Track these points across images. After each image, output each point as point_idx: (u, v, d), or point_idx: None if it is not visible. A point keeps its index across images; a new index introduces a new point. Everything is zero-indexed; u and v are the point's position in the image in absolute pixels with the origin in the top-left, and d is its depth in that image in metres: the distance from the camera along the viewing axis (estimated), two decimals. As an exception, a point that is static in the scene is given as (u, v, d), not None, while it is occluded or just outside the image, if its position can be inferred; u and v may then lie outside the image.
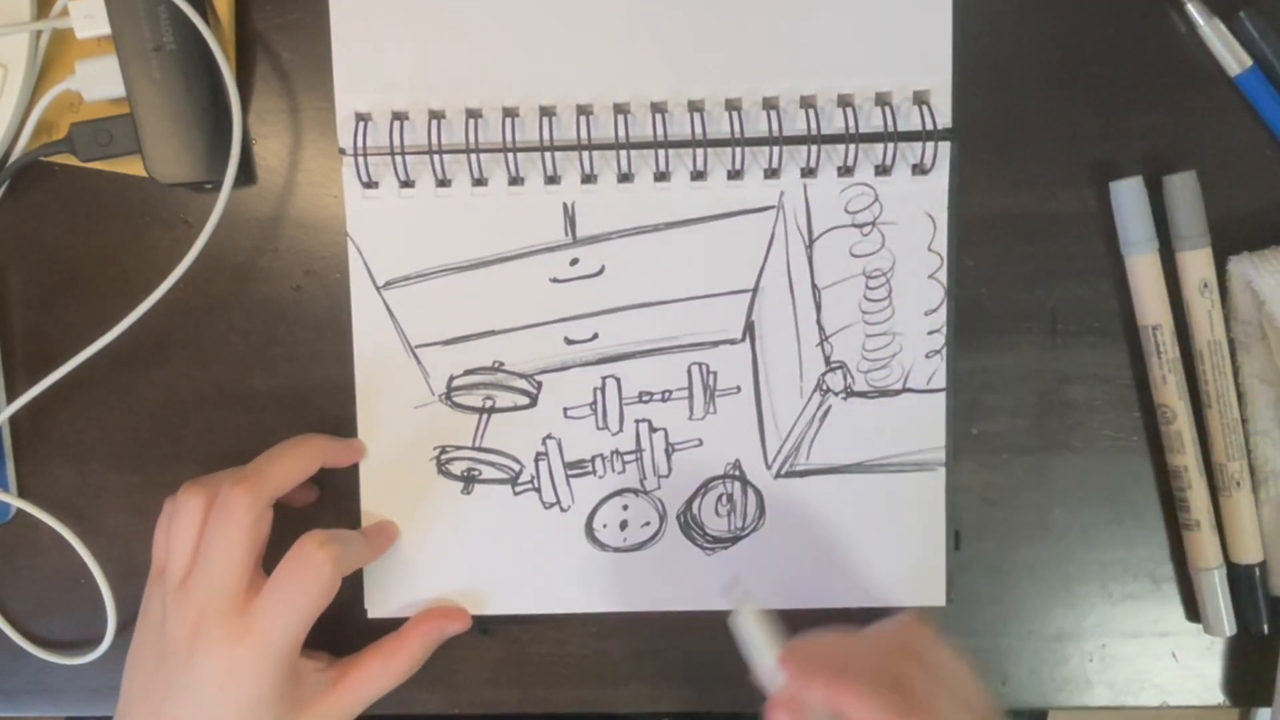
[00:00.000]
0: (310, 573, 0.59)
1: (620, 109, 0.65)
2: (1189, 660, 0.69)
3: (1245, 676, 0.69)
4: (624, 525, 0.68)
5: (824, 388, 0.67)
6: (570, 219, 0.65)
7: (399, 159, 0.64)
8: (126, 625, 0.68)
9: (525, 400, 0.67)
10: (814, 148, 0.64)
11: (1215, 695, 0.69)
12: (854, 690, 0.53)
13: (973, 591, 0.68)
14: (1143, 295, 0.65)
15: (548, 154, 0.64)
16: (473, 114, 0.65)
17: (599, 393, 0.66)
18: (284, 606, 0.59)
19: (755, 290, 0.66)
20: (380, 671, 0.64)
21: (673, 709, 0.69)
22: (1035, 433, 0.68)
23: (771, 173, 0.65)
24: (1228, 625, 0.66)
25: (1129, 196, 0.65)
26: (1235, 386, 0.66)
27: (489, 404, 0.67)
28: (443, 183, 0.65)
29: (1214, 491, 0.66)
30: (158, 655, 0.60)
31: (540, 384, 0.66)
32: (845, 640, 0.59)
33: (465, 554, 0.67)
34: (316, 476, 0.66)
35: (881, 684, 0.54)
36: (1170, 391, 0.65)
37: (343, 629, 0.67)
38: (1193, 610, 0.68)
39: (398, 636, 0.65)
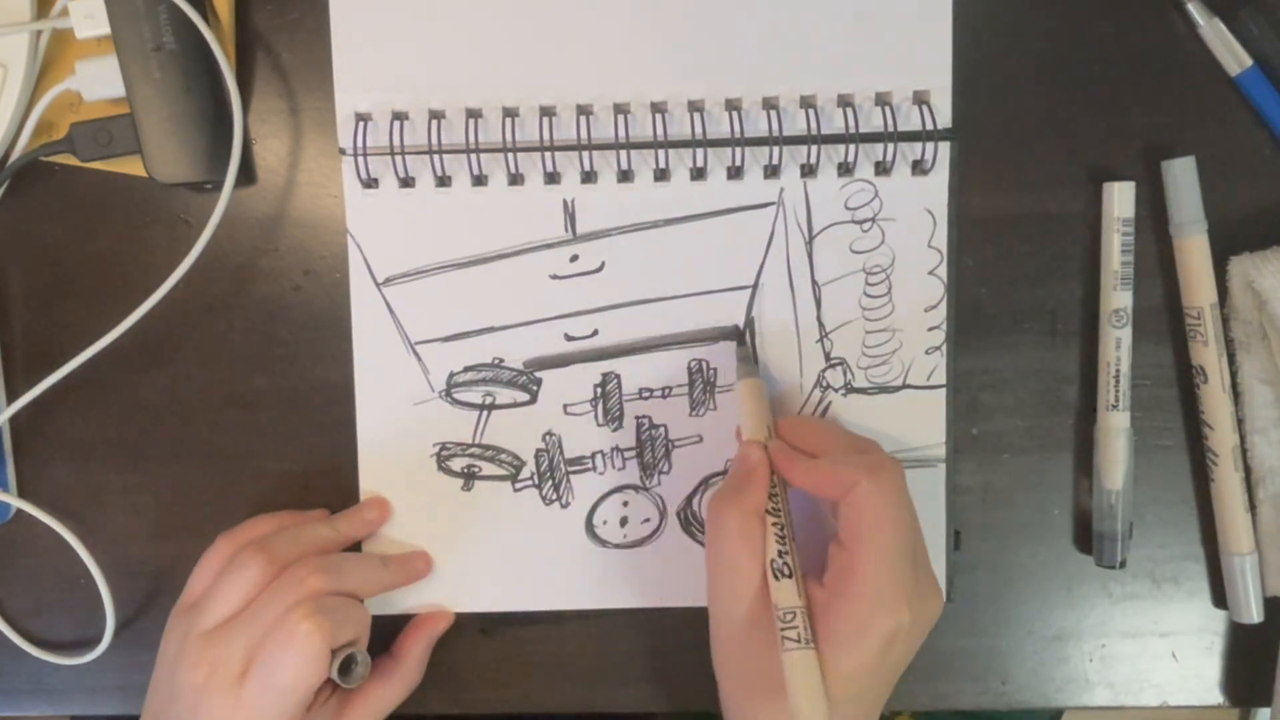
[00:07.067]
0: (295, 650, 0.57)
1: (620, 109, 0.65)
2: (1189, 660, 0.69)
3: (1245, 676, 0.69)
4: (624, 522, 0.68)
5: (824, 384, 0.66)
6: (570, 215, 0.65)
7: (399, 159, 0.64)
8: (125, 626, 0.68)
9: (525, 397, 0.67)
10: (814, 147, 0.64)
11: (1215, 695, 0.69)
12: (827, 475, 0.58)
13: (973, 591, 0.68)
14: (1192, 277, 0.65)
15: (548, 153, 0.64)
16: (473, 114, 0.65)
17: (599, 389, 0.67)
18: (274, 692, 0.58)
19: (755, 286, 0.66)
20: (380, 693, 0.64)
21: (673, 709, 0.69)
22: (1035, 433, 0.68)
23: (771, 172, 0.65)
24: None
25: (1181, 176, 0.65)
26: (1235, 385, 0.66)
27: (489, 400, 0.66)
28: (442, 182, 0.65)
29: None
30: (169, 693, 0.60)
31: (540, 380, 0.66)
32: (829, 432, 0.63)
33: (465, 551, 0.67)
34: (313, 477, 0.66)
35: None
36: (1214, 389, 0.65)
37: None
38: (1193, 610, 0.68)
39: (390, 655, 0.66)
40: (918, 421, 0.67)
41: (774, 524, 0.59)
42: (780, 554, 0.58)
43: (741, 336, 0.66)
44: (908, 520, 0.57)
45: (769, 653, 0.57)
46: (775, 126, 0.64)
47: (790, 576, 0.58)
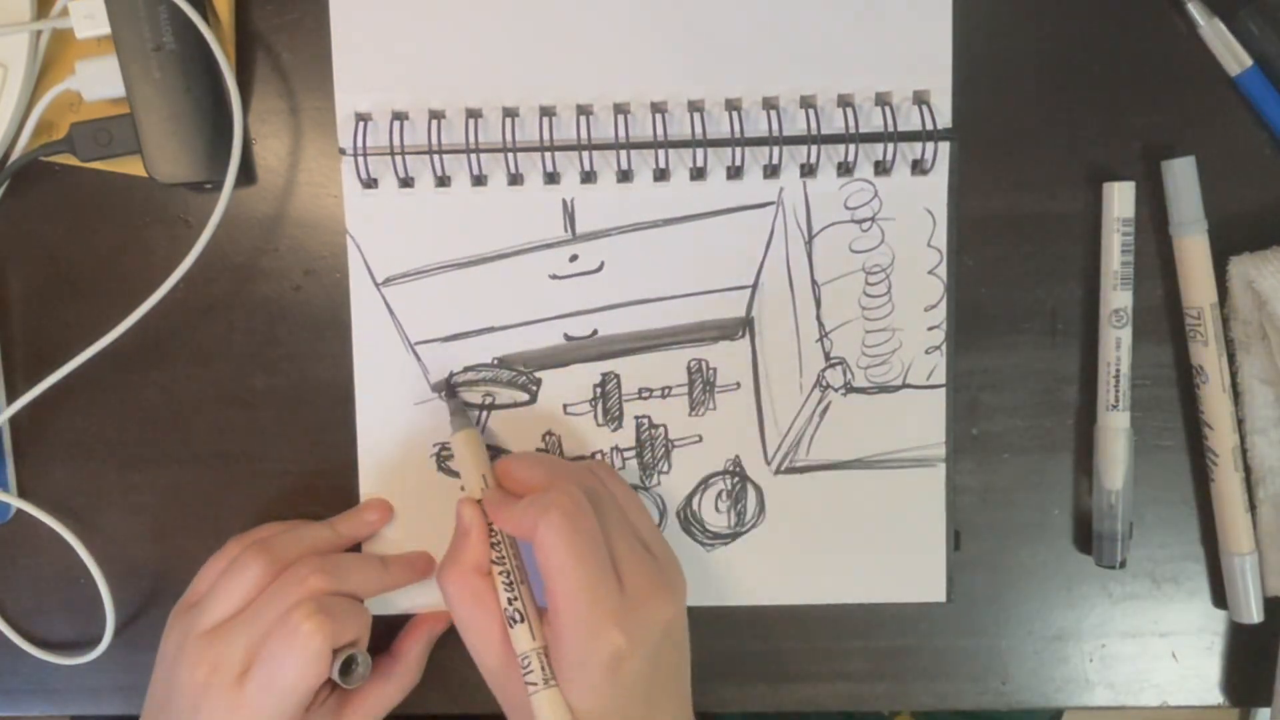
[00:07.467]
0: (296, 650, 0.57)
1: (620, 109, 0.65)
2: (1189, 660, 0.69)
3: (1245, 676, 0.69)
4: (624, 522, 0.67)
5: (824, 384, 0.66)
6: (569, 215, 0.65)
7: (399, 158, 0.64)
8: (126, 625, 0.68)
9: (525, 397, 0.67)
10: (814, 147, 0.64)
11: (1215, 695, 0.69)
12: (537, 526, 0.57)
13: (973, 591, 0.68)
14: (1192, 277, 0.65)
15: (547, 153, 0.64)
16: (473, 114, 0.65)
17: (599, 389, 0.67)
18: (275, 692, 0.58)
19: (755, 286, 0.66)
20: (380, 693, 0.64)
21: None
22: (1035, 433, 0.68)
23: (771, 171, 0.65)
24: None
25: (1181, 176, 0.64)
26: (1235, 385, 0.66)
27: (489, 401, 0.66)
28: (442, 182, 0.65)
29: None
30: (169, 692, 0.60)
31: (540, 380, 0.66)
32: (532, 470, 0.62)
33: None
34: (313, 477, 0.66)
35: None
36: (1214, 389, 0.65)
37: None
38: (1193, 610, 0.68)
39: (390, 655, 0.66)
40: (917, 421, 0.67)
41: (500, 573, 0.60)
42: (510, 601, 0.59)
43: (452, 389, 0.66)
44: (588, 549, 0.57)
45: (526, 693, 0.58)
46: (775, 126, 0.64)
47: (523, 621, 0.59)
